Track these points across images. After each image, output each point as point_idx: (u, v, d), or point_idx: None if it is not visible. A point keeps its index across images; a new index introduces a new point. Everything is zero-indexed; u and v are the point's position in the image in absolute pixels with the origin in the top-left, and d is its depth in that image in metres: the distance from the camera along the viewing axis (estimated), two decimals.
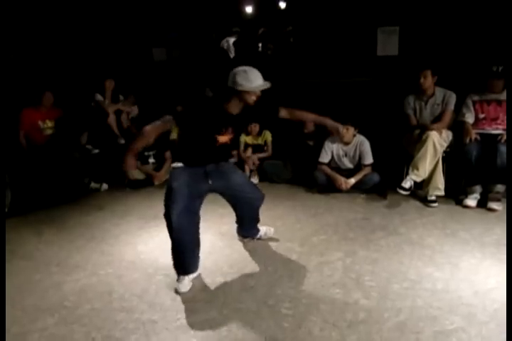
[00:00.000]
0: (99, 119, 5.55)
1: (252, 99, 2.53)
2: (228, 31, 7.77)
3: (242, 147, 5.14)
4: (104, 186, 4.97)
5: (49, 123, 5.00)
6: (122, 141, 5.57)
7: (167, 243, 3.37)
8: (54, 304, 2.58)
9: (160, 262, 3.05)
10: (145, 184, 4.98)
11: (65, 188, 4.63)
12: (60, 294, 2.69)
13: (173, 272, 2.84)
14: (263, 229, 3.33)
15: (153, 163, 5.15)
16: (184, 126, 2.62)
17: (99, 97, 5.67)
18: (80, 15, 6.23)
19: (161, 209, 4.12)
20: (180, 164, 2.66)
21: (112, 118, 5.62)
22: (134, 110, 6.01)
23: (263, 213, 3.25)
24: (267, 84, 2.51)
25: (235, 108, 2.58)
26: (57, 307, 2.54)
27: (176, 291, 2.65)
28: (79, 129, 5.35)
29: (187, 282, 2.68)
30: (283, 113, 2.82)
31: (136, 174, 5.00)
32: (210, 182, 2.71)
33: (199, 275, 2.83)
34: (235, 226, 3.30)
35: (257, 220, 3.24)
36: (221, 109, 2.56)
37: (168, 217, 2.63)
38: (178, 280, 2.69)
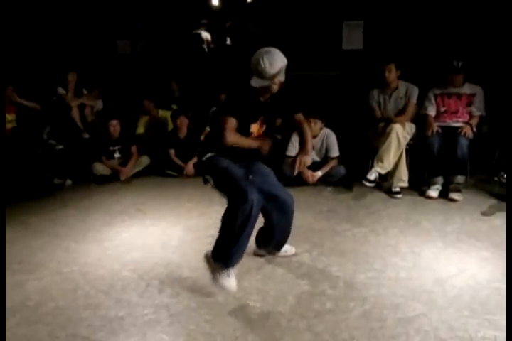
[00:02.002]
0: (62, 113, 5.41)
1: (274, 88, 2.40)
2: (197, 23, 7.70)
3: None
4: (68, 182, 4.84)
5: (9, 117, 4.83)
6: (86, 136, 5.45)
7: (134, 238, 3.36)
8: (16, 303, 2.49)
9: (127, 258, 3.01)
10: (111, 179, 4.89)
11: (28, 184, 4.49)
12: (22, 293, 2.61)
13: (139, 267, 2.82)
14: (285, 246, 2.94)
15: (118, 158, 5.06)
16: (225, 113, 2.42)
17: (61, 91, 5.52)
18: (41, 6, 6.02)
19: (127, 204, 4.13)
20: (210, 154, 2.48)
21: (75, 112, 5.49)
22: (98, 104, 5.89)
23: None
24: (280, 73, 2.36)
25: (263, 95, 2.46)
26: (19, 307, 2.46)
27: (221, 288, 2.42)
28: (41, 123, 5.20)
29: (234, 281, 2.41)
30: (297, 117, 2.64)
31: (102, 169, 4.92)
32: (250, 177, 2.51)
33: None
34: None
35: (288, 233, 2.82)
36: (255, 95, 2.45)
37: (242, 198, 2.27)
38: (222, 274, 2.38)
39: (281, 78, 2.41)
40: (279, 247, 2.90)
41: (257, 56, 2.34)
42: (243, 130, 2.47)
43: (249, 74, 2.38)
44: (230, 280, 2.40)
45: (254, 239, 2.80)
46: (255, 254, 2.94)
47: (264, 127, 2.59)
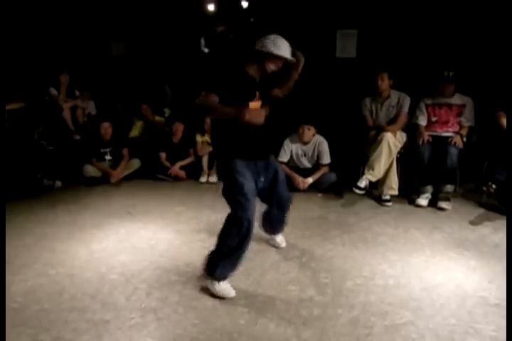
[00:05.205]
0: (53, 114, 5.37)
1: (271, 67, 2.42)
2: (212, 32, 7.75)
3: (198, 146, 5.11)
4: (58, 183, 4.80)
5: None
6: (77, 137, 5.42)
7: (122, 241, 3.33)
8: None
9: (114, 260, 2.98)
10: (101, 181, 4.86)
11: (16, 184, 4.44)
12: (6, 295, 2.55)
13: (126, 270, 2.80)
14: (279, 237, 3.17)
15: (109, 160, 5.03)
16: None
17: (53, 92, 5.50)
18: (35, 6, 5.99)
19: (117, 207, 4.10)
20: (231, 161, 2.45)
21: (66, 114, 5.46)
22: (90, 106, 5.86)
23: (222, 212, 3.23)
24: (292, 58, 2.47)
25: (254, 72, 2.45)
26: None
27: (219, 297, 2.47)
28: (32, 124, 5.16)
29: (229, 285, 2.51)
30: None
31: (92, 171, 4.89)
32: (262, 179, 2.59)
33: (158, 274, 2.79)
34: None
35: (283, 223, 3.04)
36: (242, 71, 2.43)
37: (241, 217, 2.38)
38: (219, 284, 2.48)
39: (281, 64, 2.48)
40: (275, 232, 3.14)
41: (277, 36, 2.44)
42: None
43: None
44: (222, 287, 2.49)
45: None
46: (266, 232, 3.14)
47: (259, 104, 2.51)
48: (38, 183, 4.68)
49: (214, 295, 2.50)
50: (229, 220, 2.46)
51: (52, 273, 2.83)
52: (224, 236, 2.47)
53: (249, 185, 2.43)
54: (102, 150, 4.99)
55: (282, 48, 2.42)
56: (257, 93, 2.46)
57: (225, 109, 2.31)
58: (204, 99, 2.32)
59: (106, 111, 5.86)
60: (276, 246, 3.16)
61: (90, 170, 4.88)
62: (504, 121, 3.94)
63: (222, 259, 2.47)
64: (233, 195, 2.42)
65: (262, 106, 2.52)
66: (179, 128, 5.13)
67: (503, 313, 2.31)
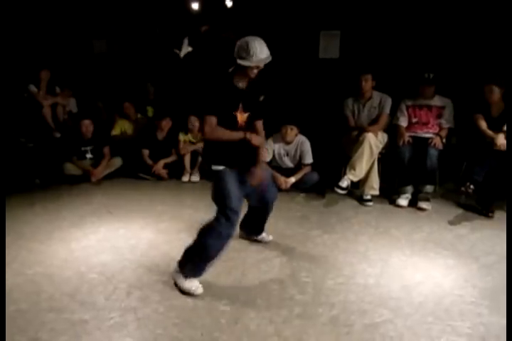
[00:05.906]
0: (33, 111, 5.28)
1: (254, 72, 2.44)
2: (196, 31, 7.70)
3: (181, 145, 5.08)
4: (37, 181, 4.71)
5: None
6: (57, 135, 5.33)
7: (102, 240, 3.30)
8: None
9: (94, 260, 2.95)
10: (82, 180, 4.79)
11: None
12: None
13: (106, 269, 2.77)
14: (263, 234, 3.27)
15: (90, 159, 4.97)
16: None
17: (33, 88, 5.39)
18: (15, 2, 5.87)
19: (97, 206, 4.07)
20: (220, 167, 2.54)
21: (46, 111, 5.36)
22: (71, 103, 5.77)
23: (203, 212, 3.23)
24: (266, 59, 2.41)
25: (241, 82, 2.49)
26: None
27: (186, 293, 2.50)
28: (11, 121, 5.06)
29: (198, 283, 2.54)
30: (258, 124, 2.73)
31: (73, 169, 4.82)
32: (247, 184, 2.67)
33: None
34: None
35: (264, 222, 3.18)
36: (230, 83, 2.48)
37: (226, 222, 2.45)
38: (187, 282, 2.53)
39: (262, 65, 2.45)
40: (257, 233, 3.24)
41: (247, 40, 2.38)
42: (230, 120, 2.50)
43: (230, 63, 2.44)
44: (190, 284, 2.51)
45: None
46: (240, 237, 3.24)
47: (247, 115, 2.57)
48: (17, 181, 4.60)
49: (194, 294, 2.49)
50: (214, 225, 2.48)
51: (29, 272, 2.79)
52: (204, 237, 2.49)
53: (236, 195, 2.51)
54: (82, 149, 4.92)
55: (256, 53, 2.37)
56: (240, 104, 2.51)
57: (234, 135, 2.51)
58: (209, 126, 2.45)
59: (87, 109, 5.78)
60: (264, 241, 3.24)
61: (71, 169, 4.81)
62: (482, 123, 4.02)
63: (196, 257, 2.52)
64: (222, 205, 2.48)
65: (245, 116, 2.56)
66: (167, 125, 5.11)
67: (478, 311, 2.37)
